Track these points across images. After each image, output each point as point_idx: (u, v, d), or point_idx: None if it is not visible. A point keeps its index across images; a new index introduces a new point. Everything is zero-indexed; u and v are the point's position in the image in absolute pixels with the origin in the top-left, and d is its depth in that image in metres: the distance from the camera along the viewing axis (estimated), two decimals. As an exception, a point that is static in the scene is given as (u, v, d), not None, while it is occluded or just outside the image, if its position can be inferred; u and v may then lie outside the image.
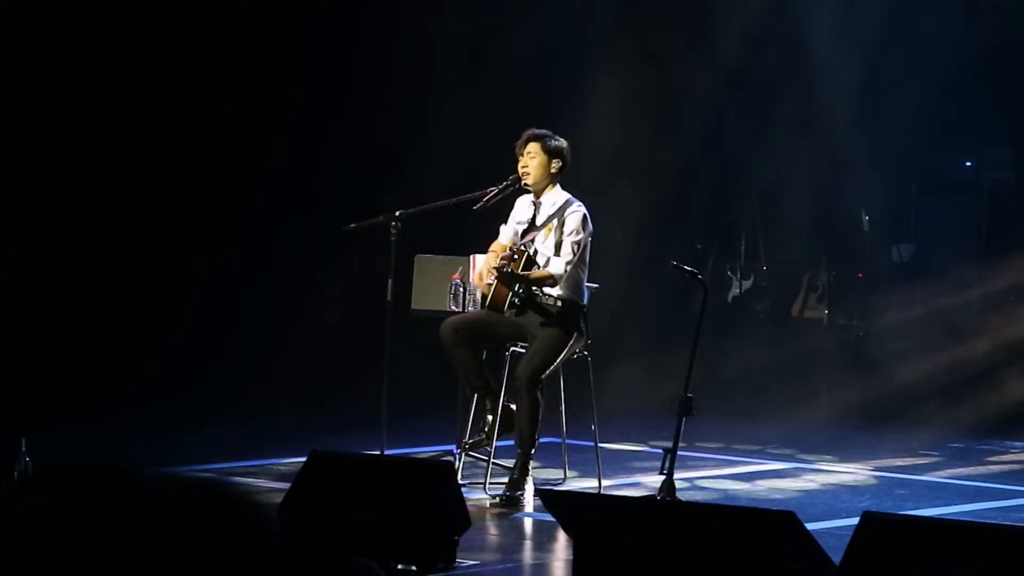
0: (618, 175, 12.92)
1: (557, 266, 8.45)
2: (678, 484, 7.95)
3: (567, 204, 8.59)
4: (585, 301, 8.64)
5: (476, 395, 8.61)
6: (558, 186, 8.63)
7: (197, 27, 12.08)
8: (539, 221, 8.60)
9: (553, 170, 8.58)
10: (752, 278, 13.92)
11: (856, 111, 13.10)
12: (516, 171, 8.62)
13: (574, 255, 8.47)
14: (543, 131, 8.64)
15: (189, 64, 12.07)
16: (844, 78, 13.09)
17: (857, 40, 12.98)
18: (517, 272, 8.42)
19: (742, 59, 13.16)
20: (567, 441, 8.90)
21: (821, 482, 9.56)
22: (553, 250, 8.50)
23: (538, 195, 8.63)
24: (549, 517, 6.55)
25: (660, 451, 7.98)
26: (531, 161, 8.56)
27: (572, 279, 8.52)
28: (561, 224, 8.53)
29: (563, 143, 8.63)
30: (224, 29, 12.13)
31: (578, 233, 8.49)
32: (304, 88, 12.53)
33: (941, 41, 12.65)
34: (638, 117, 13.22)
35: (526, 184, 8.61)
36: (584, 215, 8.54)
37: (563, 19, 12.89)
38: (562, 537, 6.77)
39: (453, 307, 8.89)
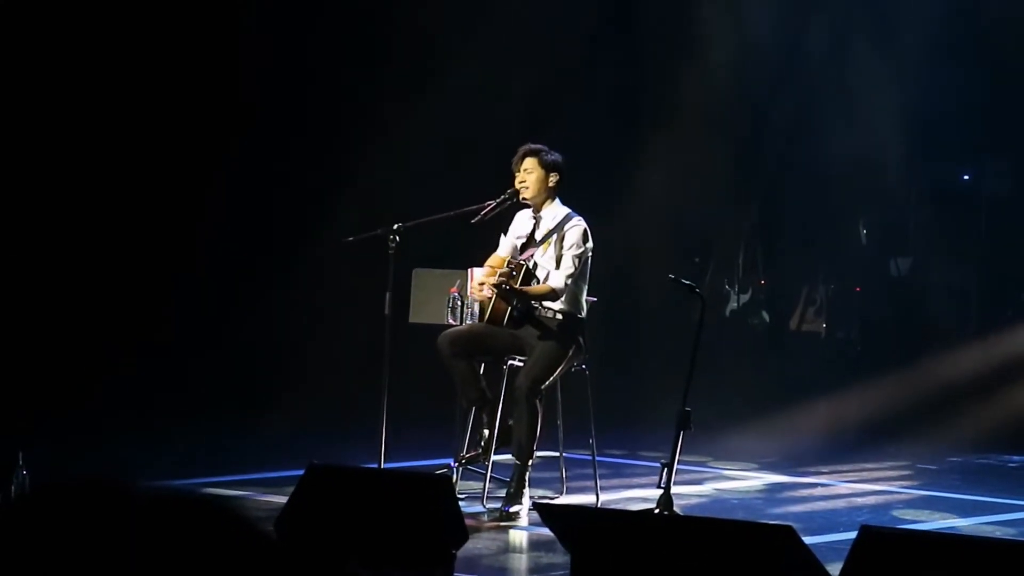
0: (614, 188, 12.94)
1: (557, 279, 8.45)
2: (675, 498, 7.95)
3: (567, 218, 8.59)
4: (584, 315, 8.64)
5: (473, 408, 8.60)
6: (558, 200, 8.65)
7: (189, 37, 12.09)
8: (539, 235, 8.61)
9: (551, 184, 8.60)
10: (750, 292, 13.93)
11: (853, 124, 13.11)
12: (514, 185, 8.63)
13: (575, 268, 8.47)
14: (538, 146, 8.64)
15: (188, 71, 12.08)
16: (842, 90, 13.11)
17: (855, 52, 13.00)
18: (517, 287, 8.42)
19: (738, 72, 13.17)
20: (565, 454, 8.90)
21: (819, 496, 9.55)
22: (553, 264, 8.50)
23: (538, 209, 8.64)
24: (546, 531, 6.54)
25: (658, 464, 7.97)
26: (528, 176, 8.57)
27: (572, 293, 8.53)
28: (561, 238, 8.53)
29: (559, 157, 8.63)
30: (223, 33, 12.14)
31: (579, 247, 8.50)
32: (306, 97, 12.55)
33: (940, 52, 12.66)
34: (635, 130, 13.24)
35: (525, 199, 8.62)
36: (585, 229, 8.54)
37: (556, 23, 12.88)
38: (559, 551, 6.75)
39: (451, 320, 8.88)
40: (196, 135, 12.09)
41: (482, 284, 8.53)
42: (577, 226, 8.54)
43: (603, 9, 13.20)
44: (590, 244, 8.55)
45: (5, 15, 11.28)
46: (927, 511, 9.04)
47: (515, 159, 8.62)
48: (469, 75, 12.55)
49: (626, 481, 9.61)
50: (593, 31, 13.09)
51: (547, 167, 8.57)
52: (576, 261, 8.48)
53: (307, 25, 12.57)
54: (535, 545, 7.86)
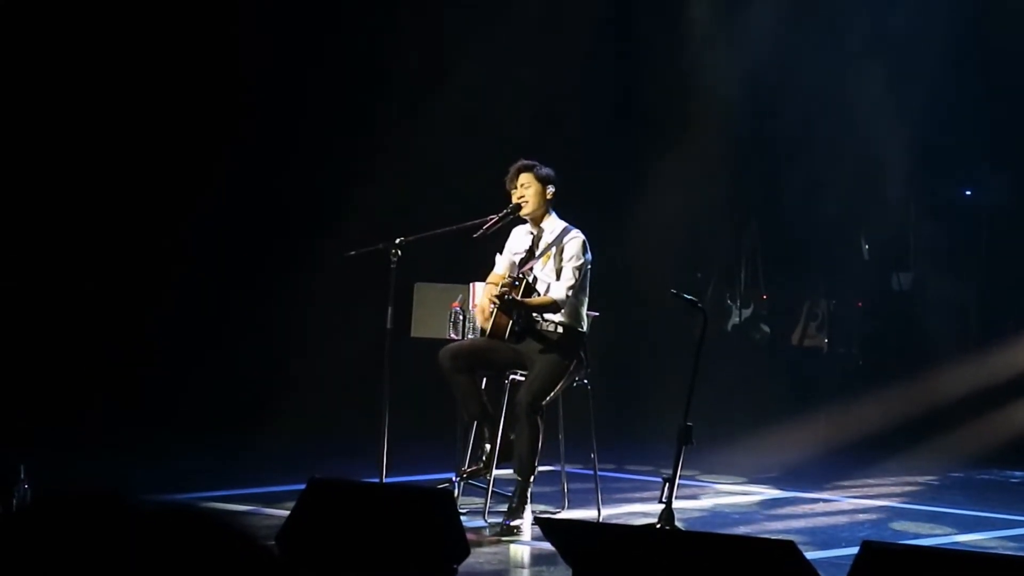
0: (616, 204, 12.95)
1: (558, 291, 8.48)
2: (677, 513, 7.94)
3: (565, 231, 8.63)
4: (585, 329, 8.65)
5: (474, 423, 8.60)
6: (555, 214, 8.69)
7: (188, 43, 12.10)
8: (539, 249, 8.64)
9: (548, 197, 8.67)
10: (752, 307, 13.92)
11: (854, 138, 13.11)
12: (512, 202, 8.65)
13: (575, 280, 8.50)
14: (530, 161, 8.72)
15: (187, 77, 12.09)
16: (842, 104, 13.11)
17: (855, 66, 13.00)
18: (518, 299, 8.44)
19: (739, 87, 13.18)
20: (566, 469, 8.89)
21: (821, 511, 9.54)
22: (553, 277, 8.54)
23: (537, 223, 8.68)
24: (548, 545, 6.53)
25: (660, 479, 7.96)
26: (527, 192, 8.63)
27: (572, 306, 8.54)
28: (560, 250, 8.56)
29: (551, 170, 8.72)
30: (222, 39, 12.15)
31: (578, 258, 8.53)
32: (307, 109, 12.56)
33: (940, 67, 12.67)
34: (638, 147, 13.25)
35: (525, 214, 8.66)
36: (584, 241, 8.58)
37: (558, 39, 12.89)
38: (561, 566, 6.74)
39: (452, 335, 8.89)
40: (195, 146, 12.10)
41: (486, 305, 8.54)
42: (576, 238, 8.58)
43: (603, 22, 13.22)
44: (589, 256, 8.59)
45: (6, 14, 11.30)
46: (929, 526, 9.03)
47: (509, 177, 8.70)
48: (471, 89, 12.56)
49: (627, 496, 9.60)
50: (593, 49, 13.09)
51: (542, 180, 8.64)
52: (576, 272, 8.51)
53: (306, 32, 12.57)
54: (537, 560, 7.85)
